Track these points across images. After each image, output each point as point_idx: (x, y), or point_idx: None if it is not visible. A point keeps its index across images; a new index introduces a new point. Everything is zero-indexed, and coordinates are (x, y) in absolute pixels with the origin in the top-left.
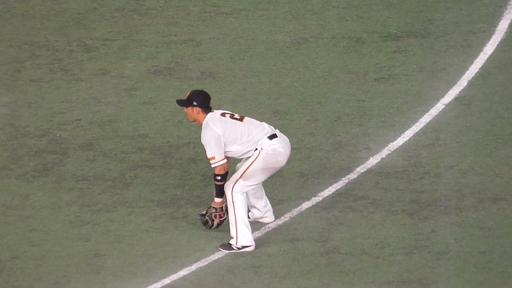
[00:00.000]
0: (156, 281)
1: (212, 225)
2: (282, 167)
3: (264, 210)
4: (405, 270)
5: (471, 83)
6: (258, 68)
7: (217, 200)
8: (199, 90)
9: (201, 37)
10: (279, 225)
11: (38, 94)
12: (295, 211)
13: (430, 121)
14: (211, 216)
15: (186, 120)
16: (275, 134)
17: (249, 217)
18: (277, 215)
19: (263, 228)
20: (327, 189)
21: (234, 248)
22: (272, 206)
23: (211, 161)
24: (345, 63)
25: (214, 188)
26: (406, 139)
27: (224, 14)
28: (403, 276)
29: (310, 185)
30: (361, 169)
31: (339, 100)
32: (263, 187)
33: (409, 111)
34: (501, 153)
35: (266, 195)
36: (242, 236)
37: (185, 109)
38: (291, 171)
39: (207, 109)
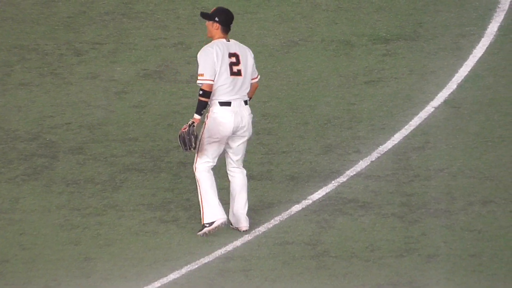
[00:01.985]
0: (146, 285)
1: (179, 136)
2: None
3: (238, 213)
4: (395, 273)
5: (460, 86)
6: None
7: (195, 116)
8: (225, 8)
9: (191, 41)
10: (269, 229)
11: (28, 97)
12: (285, 214)
13: (420, 124)
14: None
15: (176, 123)
16: (229, 102)
17: (231, 224)
18: (266, 219)
19: (253, 231)
20: (317, 192)
21: (206, 225)
22: (262, 209)
23: (199, 77)
24: (335, 66)
25: None
26: (396, 142)
27: None
28: (393, 279)
29: (300, 188)
30: (351, 172)
31: (329, 103)
32: (247, 190)
33: (398, 114)
34: (491, 155)
35: (247, 199)
36: (208, 213)
37: (206, 22)
38: (281, 174)
39: (226, 28)
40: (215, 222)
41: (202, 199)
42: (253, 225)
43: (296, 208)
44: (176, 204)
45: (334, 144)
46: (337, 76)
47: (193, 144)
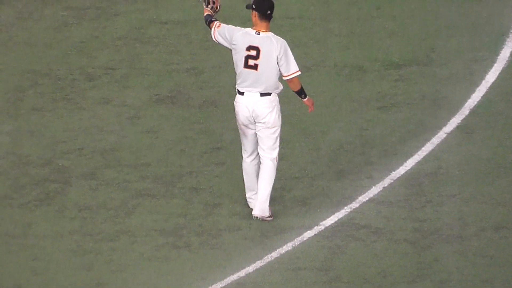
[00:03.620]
0: None
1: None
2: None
3: (256, 198)
4: None
5: (473, 112)
6: None
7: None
8: None
9: (203, 66)
10: (281, 254)
11: (41, 122)
12: (297, 240)
13: (432, 150)
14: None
15: (189, 149)
16: (243, 92)
17: None
18: (279, 244)
19: (266, 257)
20: (329, 218)
21: None
22: (274, 234)
23: (217, 25)
24: (348, 92)
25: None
26: (408, 168)
27: None
28: None
29: (312, 214)
30: (363, 198)
31: (341, 128)
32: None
33: (411, 139)
34: (503, 181)
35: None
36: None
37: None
38: (293, 199)
39: (264, 15)
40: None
41: None
42: (265, 250)
43: (309, 233)
44: (188, 229)
45: (346, 170)
46: (349, 101)
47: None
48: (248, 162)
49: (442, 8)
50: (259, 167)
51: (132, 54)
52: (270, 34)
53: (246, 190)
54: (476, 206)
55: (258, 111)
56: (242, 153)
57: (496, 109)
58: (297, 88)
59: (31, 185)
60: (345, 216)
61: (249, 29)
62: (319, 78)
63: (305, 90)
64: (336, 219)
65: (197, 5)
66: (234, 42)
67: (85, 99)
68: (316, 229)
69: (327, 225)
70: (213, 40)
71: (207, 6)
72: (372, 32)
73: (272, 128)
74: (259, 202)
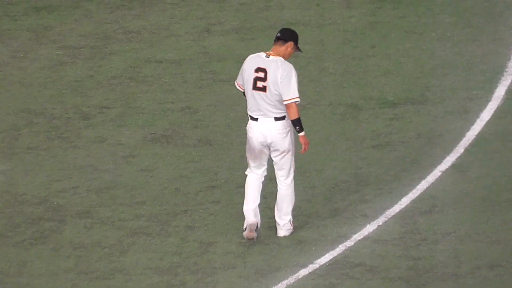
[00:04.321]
0: None
1: None
2: (262, 153)
3: (276, 220)
4: None
5: (468, 150)
6: None
7: None
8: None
9: (198, 105)
10: None
11: (35, 161)
12: (292, 278)
13: (427, 188)
14: None
15: (184, 187)
16: (257, 118)
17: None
18: (274, 283)
19: None
20: (324, 256)
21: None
22: (269, 273)
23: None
24: (342, 130)
25: None
26: (403, 206)
27: (221, 81)
28: None
29: (307, 252)
30: (358, 236)
31: (336, 167)
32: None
33: (406, 178)
34: (498, 219)
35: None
36: (245, 219)
37: None
38: (288, 238)
39: (275, 39)
40: (246, 228)
41: None
42: None
43: (303, 272)
44: (183, 268)
45: (341, 208)
46: (344, 140)
47: None
48: (257, 176)
49: (437, 47)
50: (263, 183)
51: (127, 93)
52: (279, 58)
53: (246, 203)
54: (471, 244)
55: (273, 137)
56: (249, 168)
57: (491, 147)
58: (295, 116)
59: (26, 224)
60: (339, 254)
61: (261, 53)
62: (314, 117)
63: (303, 127)
64: (331, 257)
65: (192, 45)
66: (244, 67)
67: (80, 138)
68: (311, 268)
69: (322, 263)
70: (237, 88)
71: None
72: (367, 71)
73: (287, 153)
74: (283, 225)
